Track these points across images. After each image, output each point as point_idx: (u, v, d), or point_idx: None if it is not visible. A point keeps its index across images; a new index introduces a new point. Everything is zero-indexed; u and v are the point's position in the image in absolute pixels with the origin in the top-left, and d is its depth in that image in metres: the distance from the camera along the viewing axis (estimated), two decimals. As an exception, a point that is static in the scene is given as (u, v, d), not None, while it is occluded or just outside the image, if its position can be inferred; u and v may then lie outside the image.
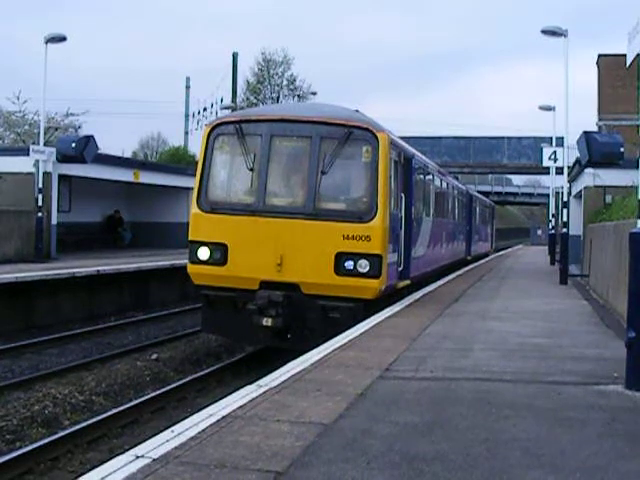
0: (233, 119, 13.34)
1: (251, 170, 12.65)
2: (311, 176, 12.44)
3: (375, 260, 12.16)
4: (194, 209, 12.90)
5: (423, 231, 17.22)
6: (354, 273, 12.12)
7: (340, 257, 12.12)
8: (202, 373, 12.68)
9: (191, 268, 12.94)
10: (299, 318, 12.30)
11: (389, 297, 13.66)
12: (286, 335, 12.41)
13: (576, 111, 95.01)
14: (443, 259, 21.71)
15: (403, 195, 14.51)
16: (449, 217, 23.77)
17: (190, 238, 12.90)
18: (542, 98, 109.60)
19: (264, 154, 12.62)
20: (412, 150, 16.27)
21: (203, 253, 12.63)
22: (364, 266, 12.09)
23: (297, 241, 12.27)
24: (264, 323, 12.15)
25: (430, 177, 19.25)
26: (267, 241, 12.32)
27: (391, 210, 12.97)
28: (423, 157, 18.72)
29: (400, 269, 14.22)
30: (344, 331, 10.49)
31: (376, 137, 12.45)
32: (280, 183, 13.06)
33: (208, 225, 12.77)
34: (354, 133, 12.43)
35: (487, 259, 36.44)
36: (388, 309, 12.93)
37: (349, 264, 12.10)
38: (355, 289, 12.16)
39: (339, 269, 12.14)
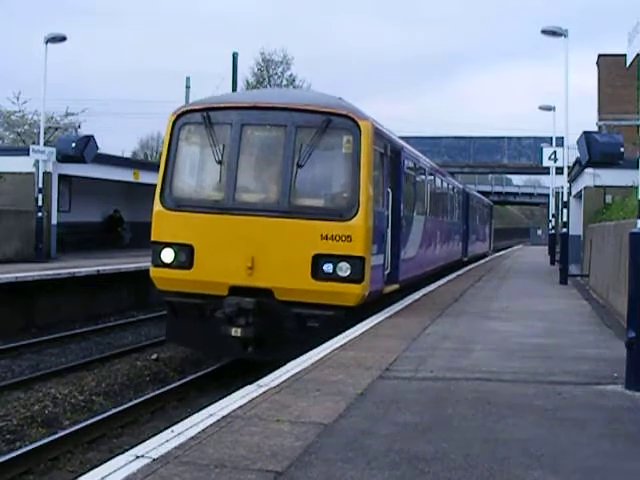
0: (200, 106, 12.09)
1: (220, 163, 11.61)
2: (286, 169, 11.36)
3: (357, 263, 11.06)
4: (157, 206, 11.80)
5: (414, 231, 16.06)
6: (334, 277, 11.02)
7: (318, 259, 11.03)
8: (202, 373, 12.66)
9: (154, 272, 11.86)
10: (272, 328, 11.20)
11: (374, 303, 12.45)
12: (258, 346, 11.30)
13: (576, 111, 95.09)
14: (437, 261, 20.58)
15: (390, 191, 13.36)
16: (444, 216, 22.64)
17: (153, 238, 11.84)
18: (541, 99, 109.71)
19: (234, 145, 11.57)
20: (401, 142, 15.06)
21: (167, 255, 11.58)
22: (345, 269, 11.01)
23: (270, 242, 11.19)
24: (233, 333, 11.04)
25: (422, 172, 18.04)
26: (237, 242, 11.27)
27: (376, 207, 11.91)
28: (414, 150, 17.39)
29: (387, 272, 13.18)
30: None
31: (358, 125, 11.30)
32: (252, 177, 12.10)
33: (172, 224, 11.70)
34: (333, 121, 11.31)
35: (486, 259, 36.41)
36: (388, 309, 12.87)
37: (328, 267, 11.02)
38: (335, 295, 11.05)
39: (317, 273, 11.04)
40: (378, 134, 12.25)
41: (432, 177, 19.90)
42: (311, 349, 8.99)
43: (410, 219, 15.56)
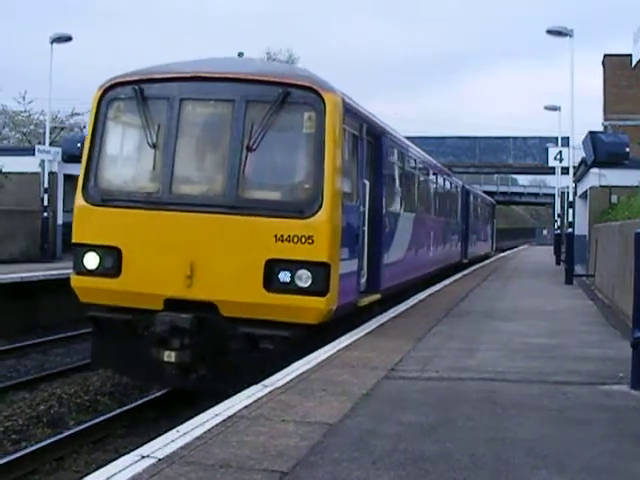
0: (132, 78, 9.98)
1: (154, 147, 9.65)
2: (234, 154, 9.38)
3: (320, 270, 9.05)
4: (78, 200, 9.85)
5: (401, 230, 13.84)
6: (291, 289, 9.04)
7: (272, 266, 9.07)
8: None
9: (75, 280, 9.87)
10: (216, 350, 9.27)
11: (347, 319, 10.46)
12: (198, 373, 9.44)
13: (581, 111, 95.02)
14: (431, 264, 18.41)
15: (367, 182, 11.30)
16: (439, 214, 20.42)
17: (73, 240, 9.94)
18: (542, 99, 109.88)
19: (171, 125, 9.63)
20: (383, 125, 12.79)
21: (90, 260, 9.64)
22: (305, 279, 9.03)
23: (214, 244, 9.25)
24: (165, 358, 9.05)
25: (412, 163, 15.76)
26: (173, 244, 9.30)
27: (346, 201, 9.89)
28: (400, 136, 14.95)
29: (363, 280, 11.18)
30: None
31: (322, 99, 9.24)
32: (192, 164, 10.22)
33: (97, 222, 9.73)
34: (292, 94, 9.28)
35: (491, 260, 36.32)
36: (392, 309, 12.84)
37: (284, 276, 9.05)
38: (293, 311, 9.04)
39: (271, 283, 9.06)
40: (350, 111, 10.12)
41: (425, 170, 17.89)
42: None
43: (395, 217, 13.52)
